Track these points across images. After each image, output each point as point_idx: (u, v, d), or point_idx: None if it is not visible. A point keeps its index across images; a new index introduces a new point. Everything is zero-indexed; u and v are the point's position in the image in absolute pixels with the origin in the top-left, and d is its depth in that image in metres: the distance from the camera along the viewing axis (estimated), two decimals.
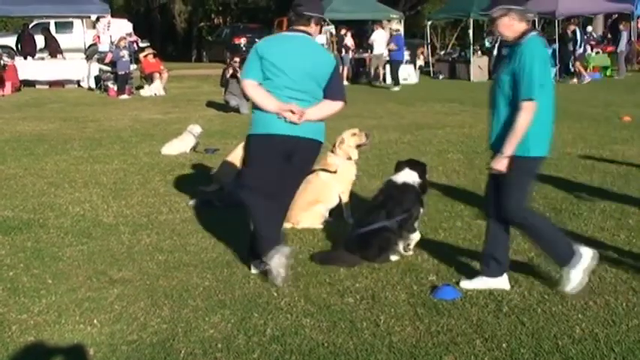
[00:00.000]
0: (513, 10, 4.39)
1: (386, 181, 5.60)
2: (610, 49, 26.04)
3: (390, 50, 21.74)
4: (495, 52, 22.26)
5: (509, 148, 4.29)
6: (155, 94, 19.26)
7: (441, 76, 25.74)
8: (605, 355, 3.71)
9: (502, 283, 4.61)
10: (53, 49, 23.64)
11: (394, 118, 13.99)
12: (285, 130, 4.80)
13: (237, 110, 14.67)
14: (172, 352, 3.82)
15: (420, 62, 27.82)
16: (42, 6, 21.20)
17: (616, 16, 29.32)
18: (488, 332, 3.99)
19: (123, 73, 19.18)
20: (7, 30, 32.46)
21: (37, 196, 7.46)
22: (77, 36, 26.35)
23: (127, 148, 10.56)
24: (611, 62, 24.73)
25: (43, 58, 23.20)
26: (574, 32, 22.98)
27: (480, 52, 25.40)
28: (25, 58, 22.43)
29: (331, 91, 4.91)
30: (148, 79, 19.90)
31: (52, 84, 21.77)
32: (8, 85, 19.84)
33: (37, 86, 21.62)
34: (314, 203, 6.14)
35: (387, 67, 23.07)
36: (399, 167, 5.55)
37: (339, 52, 23.40)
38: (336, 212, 6.29)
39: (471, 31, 25.44)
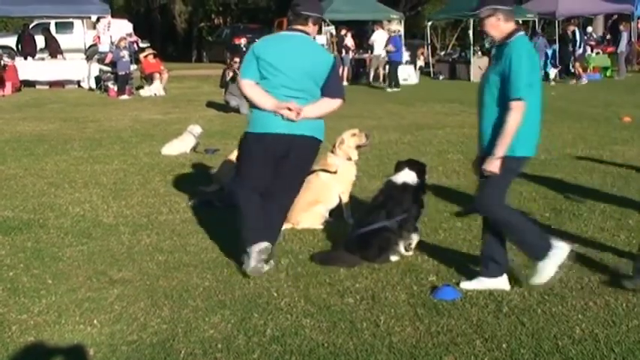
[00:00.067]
0: (500, 10, 4.41)
1: (386, 181, 5.61)
2: (610, 49, 26.06)
3: (387, 52, 21.69)
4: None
5: (501, 149, 4.30)
6: (155, 95, 19.27)
7: (441, 77, 25.76)
8: (605, 355, 3.71)
9: (502, 283, 4.61)
10: (53, 49, 23.65)
11: (394, 119, 13.99)
12: (282, 129, 4.83)
13: (237, 110, 14.67)
14: (172, 352, 3.82)
15: (420, 63, 27.82)
16: (42, 6, 21.20)
17: (616, 16, 29.35)
18: (488, 333, 3.99)
19: (123, 73, 19.19)
20: (8, 30, 32.48)
21: (37, 196, 7.46)
22: (77, 36, 26.36)
23: (127, 148, 10.56)
24: (612, 63, 24.73)
25: (43, 59, 23.21)
26: (574, 33, 22.99)
27: (480, 53, 25.39)
28: (26, 58, 22.44)
29: (329, 89, 4.93)
30: (148, 79, 19.90)
31: (52, 84, 21.77)
32: (8, 86, 19.84)
33: (38, 86, 21.63)
34: (314, 204, 6.15)
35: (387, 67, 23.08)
36: (398, 167, 5.56)
37: (339, 52, 23.41)
38: (336, 212, 6.29)
39: (471, 32, 25.46)
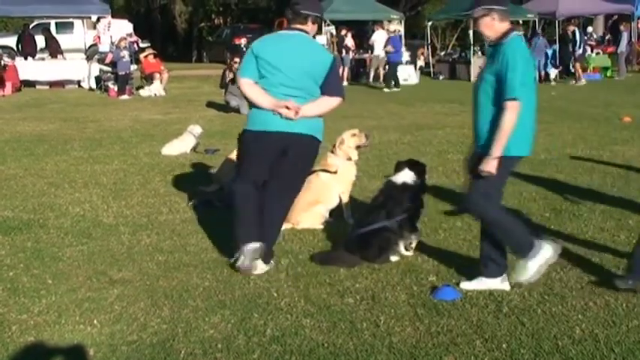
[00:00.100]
0: (494, 10, 4.42)
1: (386, 181, 5.61)
2: (610, 49, 26.06)
3: (387, 52, 21.68)
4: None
5: (498, 149, 4.30)
6: (155, 95, 19.27)
7: (441, 77, 25.75)
8: (606, 355, 3.71)
9: (502, 283, 4.61)
10: (54, 49, 23.65)
11: (394, 119, 13.99)
12: (280, 127, 4.85)
13: (237, 111, 14.67)
14: (172, 352, 3.82)
15: (420, 63, 27.82)
16: (42, 6, 21.21)
17: (616, 16, 29.35)
18: (489, 333, 3.99)
19: (123, 73, 19.19)
20: (8, 30, 32.50)
21: (37, 196, 7.46)
22: (78, 36, 26.38)
23: (127, 148, 10.56)
24: (612, 63, 24.73)
25: (43, 59, 23.21)
26: (574, 33, 23.00)
27: (480, 53, 25.34)
28: (26, 58, 22.44)
29: (328, 87, 4.94)
30: (149, 79, 19.91)
31: (52, 84, 21.78)
32: (9, 86, 19.85)
33: (38, 86, 21.63)
34: (314, 204, 6.15)
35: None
36: (398, 167, 5.56)
37: (340, 52, 23.41)
38: (336, 213, 6.29)
39: (471, 32, 25.42)
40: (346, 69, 23.26)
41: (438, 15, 29.35)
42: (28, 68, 21.65)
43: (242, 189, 5.01)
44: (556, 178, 7.99)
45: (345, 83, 20.43)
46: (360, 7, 25.58)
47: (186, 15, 43.43)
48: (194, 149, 10.06)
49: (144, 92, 19.43)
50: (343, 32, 24.40)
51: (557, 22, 25.39)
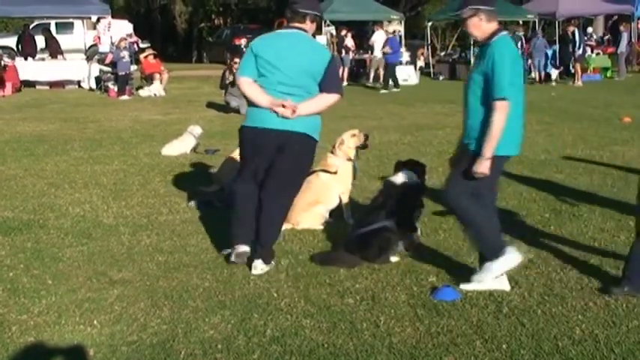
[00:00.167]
0: (482, 10, 4.43)
1: (385, 181, 5.61)
2: (610, 50, 26.06)
3: (384, 53, 21.64)
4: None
5: (489, 150, 4.31)
6: (155, 95, 19.27)
7: (441, 77, 25.75)
8: (606, 356, 3.71)
9: (502, 284, 4.61)
10: (54, 49, 23.66)
11: (394, 119, 13.99)
12: (275, 125, 4.89)
13: (237, 111, 14.65)
14: (172, 352, 3.82)
15: (420, 63, 27.82)
16: (42, 7, 21.21)
17: (616, 17, 29.35)
18: (489, 333, 3.99)
19: (123, 73, 19.19)
20: (8, 31, 32.50)
21: (37, 196, 7.46)
22: (78, 37, 26.39)
23: (128, 148, 10.56)
24: (612, 63, 24.73)
25: (43, 59, 23.21)
26: (573, 33, 23.01)
27: None
28: (26, 58, 22.45)
29: (326, 84, 4.96)
30: (149, 79, 19.91)
31: (52, 85, 21.77)
32: (9, 86, 19.84)
33: (38, 87, 21.63)
34: (314, 204, 6.15)
35: None
36: (398, 168, 5.56)
37: (339, 52, 23.42)
38: (336, 213, 6.30)
39: None
40: (346, 69, 23.26)
41: (438, 15, 29.33)
42: (28, 68, 21.65)
43: (243, 189, 5.09)
44: (556, 179, 7.99)
45: (344, 83, 20.41)
46: (360, 7, 25.59)
47: (186, 15, 43.42)
48: (194, 150, 10.06)
49: (143, 92, 19.43)
50: (343, 33, 24.40)
51: (557, 22, 25.40)
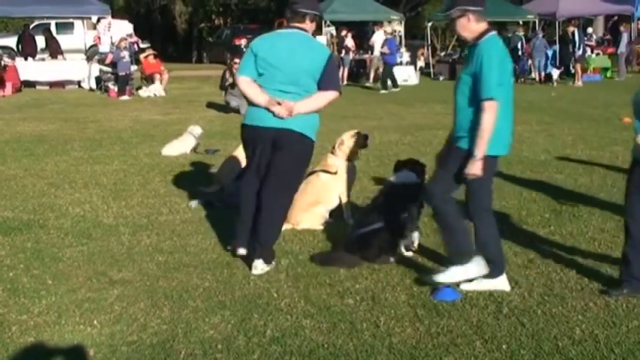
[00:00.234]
0: (470, 10, 4.43)
1: (385, 181, 5.61)
2: (610, 50, 26.07)
3: (382, 53, 21.62)
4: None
5: (480, 150, 4.31)
6: (155, 95, 19.26)
7: (441, 77, 25.72)
8: (606, 356, 3.71)
9: (502, 284, 4.61)
10: (54, 49, 23.65)
11: (394, 120, 13.99)
12: (272, 123, 4.93)
13: (237, 111, 14.65)
14: (172, 352, 3.82)
15: (420, 63, 27.81)
16: (42, 7, 21.22)
17: (616, 17, 29.35)
18: (489, 333, 3.99)
19: (123, 74, 19.18)
20: (8, 31, 32.50)
21: (37, 196, 7.46)
22: (78, 37, 26.38)
23: (128, 148, 10.56)
24: (612, 64, 24.74)
25: (43, 59, 23.20)
26: (573, 34, 23.02)
27: None
28: (26, 58, 22.44)
29: (324, 81, 4.98)
30: (149, 79, 19.90)
31: (52, 85, 21.77)
32: (9, 86, 19.83)
33: (38, 87, 21.61)
34: (314, 204, 6.15)
35: None
36: (398, 168, 5.56)
37: (340, 53, 23.42)
38: (336, 213, 6.30)
39: None
40: (346, 70, 23.26)
41: (438, 15, 29.31)
42: (28, 68, 21.64)
43: (246, 188, 5.16)
44: (556, 179, 7.99)
45: (344, 84, 20.41)
46: (360, 7, 25.58)
47: (186, 15, 43.42)
48: (194, 150, 10.06)
49: (143, 92, 19.43)
50: (343, 33, 24.39)
51: (557, 22, 25.40)
